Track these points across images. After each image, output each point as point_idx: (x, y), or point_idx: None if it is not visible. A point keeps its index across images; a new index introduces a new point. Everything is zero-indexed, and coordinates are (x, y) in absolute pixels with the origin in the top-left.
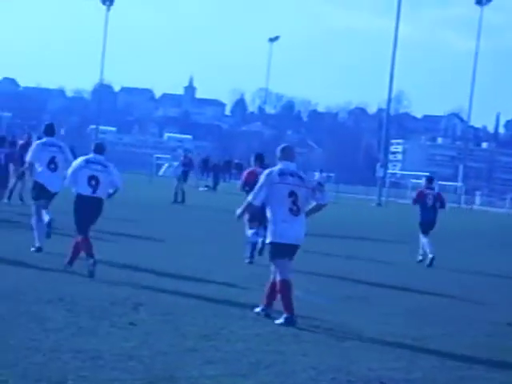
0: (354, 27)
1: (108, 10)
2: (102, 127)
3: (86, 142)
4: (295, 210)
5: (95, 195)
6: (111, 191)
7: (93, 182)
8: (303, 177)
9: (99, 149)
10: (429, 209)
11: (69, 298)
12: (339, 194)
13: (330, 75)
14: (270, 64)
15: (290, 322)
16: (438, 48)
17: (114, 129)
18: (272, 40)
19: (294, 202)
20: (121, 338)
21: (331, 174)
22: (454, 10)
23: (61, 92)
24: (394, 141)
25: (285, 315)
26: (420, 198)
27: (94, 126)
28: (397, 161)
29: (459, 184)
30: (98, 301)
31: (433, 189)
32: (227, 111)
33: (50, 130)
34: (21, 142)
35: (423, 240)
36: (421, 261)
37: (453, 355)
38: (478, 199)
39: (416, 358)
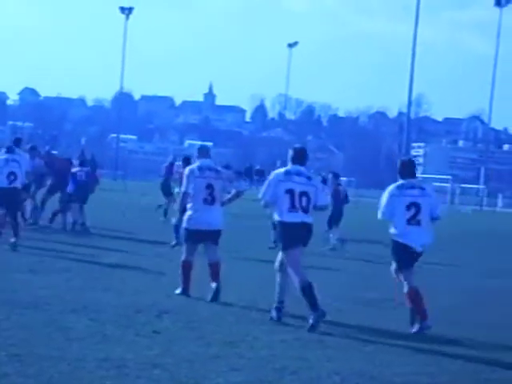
0: (374, 31)
1: (127, 18)
2: (122, 136)
3: (107, 150)
4: (210, 200)
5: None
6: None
7: (11, 177)
8: (219, 170)
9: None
10: (340, 203)
11: (93, 307)
12: (360, 198)
13: (349, 80)
14: (289, 69)
15: (183, 292)
16: (458, 50)
17: (134, 137)
18: (291, 45)
19: (210, 194)
20: (145, 347)
21: (352, 179)
22: (473, 12)
23: (81, 101)
24: (414, 144)
25: (181, 288)
26: (337, 194)
27: (114, 135)
28: (418, 164)
29: (481, 186)
30: (122, 309)
31: (340, 184)
32: (247, 117)
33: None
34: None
35: (335, 231)
36: (333, 249)
37: (478, 358)
38: (500, 201)
39: (441, 362)
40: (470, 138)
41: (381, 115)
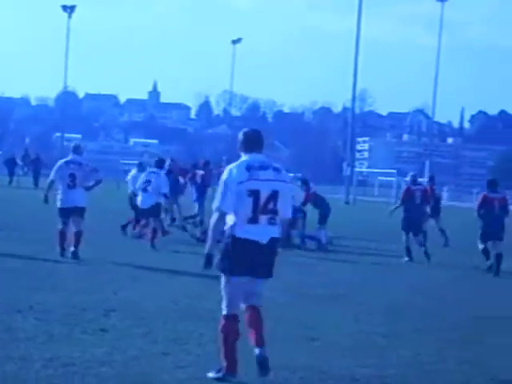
0: (318, 27)
1: (69, 17)
2: (67, 135)
3: (52, 149)
4: (71, 185)
5: None
6: None
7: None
8: (82, 163)
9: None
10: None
11: (39, 306)
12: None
13: (294, 76)
14: (233, 66)
15: (61, 251)
16: (402, 45)
17: (79, 136)
18: (235, 42)
19: (72, 180)
20: (92, 345)
21: (298, 174)
22: (415, 7)
23: (25, 100)
24: (359, 139)
25: (60, 248)
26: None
27: (59, 134)
28: (363, 159)
29: (426, 180)
30: (68, 308)
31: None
32: (192, 114)
33: None
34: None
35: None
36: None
37: (424, 350)
38: (445, 194)
39: (387, 354)
40: (414, 131)
41: (325, 111)
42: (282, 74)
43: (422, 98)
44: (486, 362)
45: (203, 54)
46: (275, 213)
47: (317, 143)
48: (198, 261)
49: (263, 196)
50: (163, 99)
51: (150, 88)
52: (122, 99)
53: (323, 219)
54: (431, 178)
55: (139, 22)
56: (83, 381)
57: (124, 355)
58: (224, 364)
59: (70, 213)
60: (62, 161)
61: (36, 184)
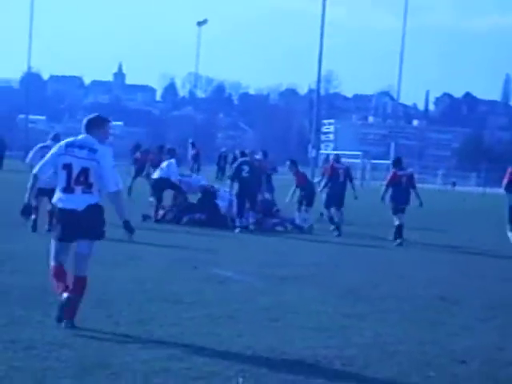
0: (283, 8)
1: None
2: (31, 116)
3: (16, 132)
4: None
5: None
6: None
7: None
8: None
9: None
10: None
11: None
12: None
13: (259, 57)
14: (199, 48)
15: None
16: (367, 27)
17: (43, 118)
18: (200, 23)
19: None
20: (53, 327)
21: (257, 156)
22: None
23: None
24: (325, 121)
25: None
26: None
27: (23, 116)
28: (329, 141)
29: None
30: (29, 290)
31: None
32: (158, 96)
33: None
34: None
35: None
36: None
37: (385, 331)
38: None
39: (349, 335)
40: (379, 113)
41: (291, 92)
42: (248, 56)
43: (387, 80)
44: (447, 343)
45: (169, 35)
46: (88, 185)
47: (282, 125)
48: (160, 245)
49: (75, 170)
50: (128, 81)
51: (115, 70)
52: (87, 81)
53: (308, 202)
54: (292, 162)
55: (104, 2)
56: (44, 363)
57: (86, 337)
58: (58, 291)
59: (46, 193)
60: (38, 145)
61: (0, 166)
